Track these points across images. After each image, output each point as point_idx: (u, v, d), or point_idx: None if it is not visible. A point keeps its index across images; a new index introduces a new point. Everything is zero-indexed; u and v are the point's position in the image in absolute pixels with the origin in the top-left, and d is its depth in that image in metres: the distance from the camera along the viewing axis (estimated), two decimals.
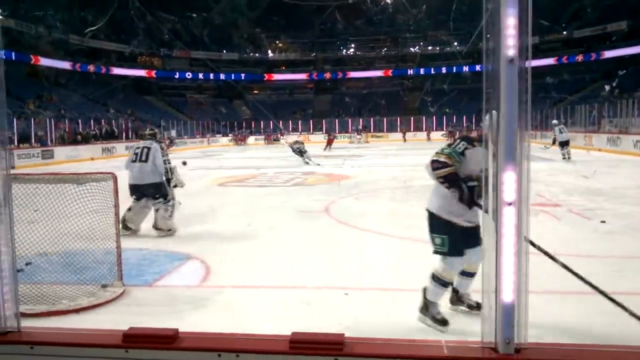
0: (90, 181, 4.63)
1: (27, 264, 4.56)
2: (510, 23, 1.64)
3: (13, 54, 35.86)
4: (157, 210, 6.60)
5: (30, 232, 4.21)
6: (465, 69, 52.04)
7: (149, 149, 6.65)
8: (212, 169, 18.02)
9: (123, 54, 51.02)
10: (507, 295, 1.66)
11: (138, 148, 6.74)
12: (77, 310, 3.95)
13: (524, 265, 1.67)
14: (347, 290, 4.33)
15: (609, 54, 43.42)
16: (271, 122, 47.08)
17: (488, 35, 1.75)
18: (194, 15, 45.06)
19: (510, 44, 1.66)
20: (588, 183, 11.40)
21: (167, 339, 1.79)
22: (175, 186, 6.96)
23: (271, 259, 5.60)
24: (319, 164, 17.99)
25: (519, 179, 1.64)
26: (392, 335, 1.92)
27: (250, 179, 14.31)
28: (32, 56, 39.20)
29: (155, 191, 6.61)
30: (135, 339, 1.82)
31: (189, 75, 55.15)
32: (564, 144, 17.96)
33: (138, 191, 6.59)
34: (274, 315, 3.91)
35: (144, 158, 6.59)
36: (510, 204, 1.66)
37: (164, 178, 6.78)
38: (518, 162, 1.65)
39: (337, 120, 48.17)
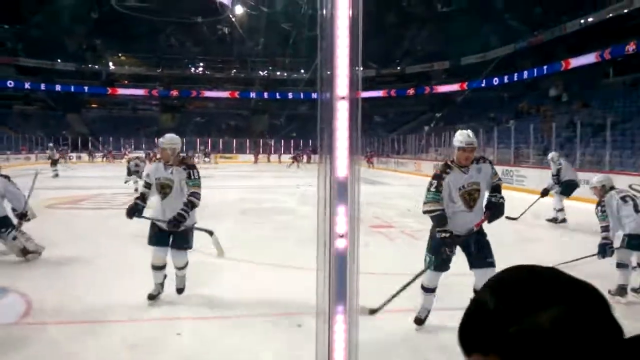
0: None
1: None
2: (342, 62, 1.75)
3: None
4: (14, 239, 6.27)
5: None
6: (314, 95, 54.05)
7: None
8: (43, 189, 16.17)
9: None
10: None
11: None
12: None
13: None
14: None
15: (438, 89, 48.38)
16: (111, 138, 44.26)
17: (321, 70, 1.85)
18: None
19: (341, 78, 1.77)
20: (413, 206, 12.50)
21: None
22: (29, 219, 6.63)
23: (99, 290, 5.19)
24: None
25: (349, 211, 1.74)
26: None
27: (83, 200, 13.17)
28: None
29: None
30: None
31: (10, 83, 48.49)
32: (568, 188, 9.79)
33: None
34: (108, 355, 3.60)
35: None
36: (342, 236, 1.75)
37: (21, 211, 6.45)
38: (349, 192, 1.75)
39: (184, 139, 46.78)
